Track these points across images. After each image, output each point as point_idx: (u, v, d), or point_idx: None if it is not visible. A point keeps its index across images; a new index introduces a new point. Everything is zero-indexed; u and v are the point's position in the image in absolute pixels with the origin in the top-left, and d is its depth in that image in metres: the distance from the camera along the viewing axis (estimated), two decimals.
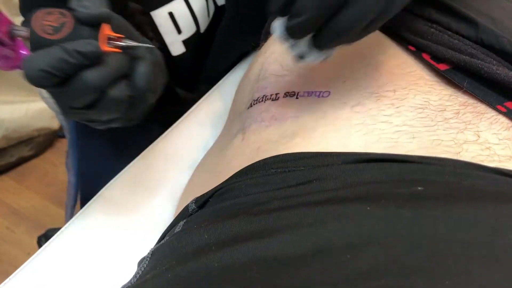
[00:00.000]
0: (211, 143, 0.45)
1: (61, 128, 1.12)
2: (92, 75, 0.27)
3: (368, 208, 0.21)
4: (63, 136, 0.77)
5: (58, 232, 0.42)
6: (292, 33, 0.24)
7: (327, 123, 0.29)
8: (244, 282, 0.19)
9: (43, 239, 0.96)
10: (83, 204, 0.60)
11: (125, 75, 0.30)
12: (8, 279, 0.38)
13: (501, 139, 0.26)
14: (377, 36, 0.32)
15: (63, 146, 1.14)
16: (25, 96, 1.07)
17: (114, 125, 0.32)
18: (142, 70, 0.30)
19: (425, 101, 0.28)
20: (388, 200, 0.21)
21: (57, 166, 1.11)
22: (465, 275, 0.17)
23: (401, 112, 0.27)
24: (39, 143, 1.12)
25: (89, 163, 0.60)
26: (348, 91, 0.30)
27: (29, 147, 1.10)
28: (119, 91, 0.28)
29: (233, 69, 0.54)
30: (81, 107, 0.28)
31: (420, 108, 0.28)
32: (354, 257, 0.18)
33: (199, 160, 0.43)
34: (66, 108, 0.30)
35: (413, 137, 0.26)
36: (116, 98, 0.28)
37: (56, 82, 0.27)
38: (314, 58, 0.25)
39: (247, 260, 0.20)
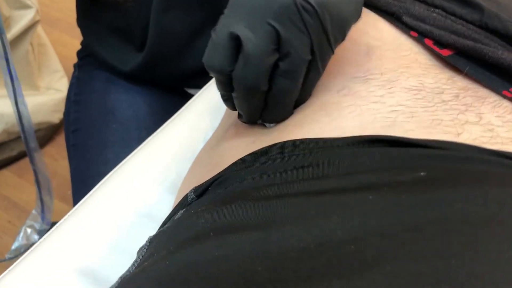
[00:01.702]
0: (210, 135, 0.44)
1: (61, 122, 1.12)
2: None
3: (370, 197, 0.20)
4: None
5: (57, 224, 0.41)
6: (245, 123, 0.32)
7: (315, 110, 0.28)
8: (246, 274, 0.19)
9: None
10: (74, 173, 0.61)
11: None
12: (7, 270, 0.38)
13: (505, 122, 0.26)
14: (375, 22, 0.32)
15: (63, 140, 1.14)
16: (25, 90, 1.06)
17: None
18: None
19: (420, 83, 0.27)
20: (390, 187, 0.20)
21: (58, 160, 1.10)
22: (473, 253, 0.17)
23: (395, 93, 0.27)
24: (40, 137, 1.11)
25: (83, 135, 0.61)
26: (332, 77, 0.29)
27: None
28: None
29: None
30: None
31: (415, 89, 0.27)
32: (358, 248, 0.18)
33: (198, 151, 0.43)
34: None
35: (412, 116, 0.25)
36: None
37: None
38: (270, 125, 0.31)
39: (249, 252, 0.20)
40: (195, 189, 0.29)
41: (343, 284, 0.17)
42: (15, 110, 0.45)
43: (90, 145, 0.61)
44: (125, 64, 0.62)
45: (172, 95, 0.65)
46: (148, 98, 0.64)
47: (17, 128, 1.04)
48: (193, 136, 0.47)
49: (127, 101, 0.63)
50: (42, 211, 0.49)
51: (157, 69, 0.61)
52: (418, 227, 0.18)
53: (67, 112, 0.67)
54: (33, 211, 0.70)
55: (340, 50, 0.30)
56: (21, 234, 0.76)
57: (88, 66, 0.67)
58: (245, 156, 0.27)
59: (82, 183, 0.58)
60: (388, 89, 0.27)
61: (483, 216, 0.18)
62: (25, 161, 1.10)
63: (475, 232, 0.17)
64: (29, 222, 0.74)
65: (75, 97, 0.66)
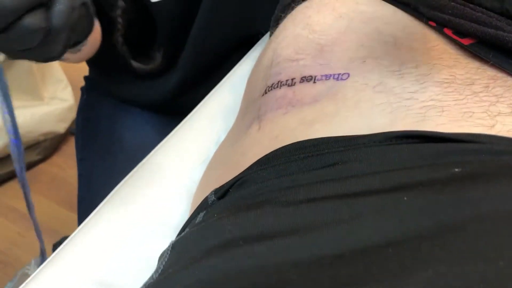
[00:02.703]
0: (223, 137, 0.44)
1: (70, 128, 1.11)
2: None
3: (405, 198, 0.19)
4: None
5: (72, 235, 0.41)
6: None
7: (348, 106, 0.27)
8: (281, 283, 0.18)
9: (58, 246, 0.95)
10: (80, 204, 0.59)
11: (44, 6, 0.30)
12: (24, 283, 0.37)
13: None
14: (394, 12, 0.31)
15: (70, 149, 1.14)
16: (29, 100, 1.06)
17: (27, 57, 0.33)
18: (61, 7, 0.30)
19: (451, 75, 0.27)
20: (425, 186, 0.20)
21: (65, 169, 1.10)
22: None
23: (427, 88, 0.26)
24: (46, 147, 1.11)
25: (88, 164, 0.60)
26: (369, 72, 0.28)
27: (36, 152, 1.10)
28: (34, 20, 0.28)
29: (241, 61, 0.53)
30: None
31: (446, 82, 0.26)
32: (396, 252, 0.17)
33: (211, 155, 0.42)
34: None
35: (443, 111, 0.24)
36: (30, 27, 0.28)
37: None
38: None
39: (282, 260, 0.19)
40: (216, 191, 0.28)
41: None
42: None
43: (95, 176, 0.59)
44: (144, 98, 0.60)
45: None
46: (157, 124, 0.62)
47: (23, 140, 1.04)
48: (205, 140, 0.46)
49: (134, 127, 0.61)
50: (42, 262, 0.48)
51: (182, 98, 0.59)
52: (459, 227, 0.17)
53: (76, 138, 0.65)
54: (33, 261, 0.70)
55: (368, 40, 0.30)
56: (17, 278, 0.76)
57: (96, 91, 0.65)
58: (266, 155, 0.27)
59: (88, 214, 0.57)
60: (421, 84, 0.26)
61: None
62: (33, 172, 1.10)
63: None
64: (26, 268, 0.74)
65: (83, 123, 0.64)
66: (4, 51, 0.32)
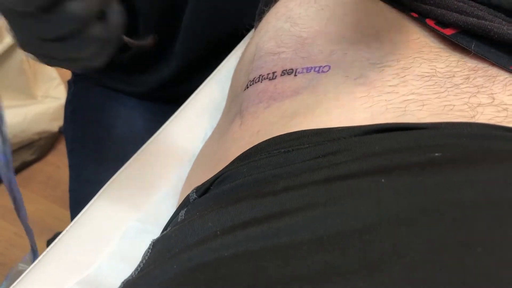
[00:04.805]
0: (210, 134, 0.43)
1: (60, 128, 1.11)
2: (78, 5, 0.26)
3: (383, 180, 0.19)
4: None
5: (63, 232, 0.41)
6: None
7: (329, 99, 0.27)
8: (255, 273, 0.18)
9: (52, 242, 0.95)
10: (71, 195, 0.59)
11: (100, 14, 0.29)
12: (18, 280, 0.37)
13: None
14: (376, 3, 0.31)
15: (64, 148, 1.13)
16: (23, 100, 1.06)
17: (75, 65, 0.31)
18: (115, 18, 0.29)
19: (432, 69, 0.26)
20: (404, 169, 0.19)
21: (61, 168, 1.10)
22: (502, 238, 0.15)
23: (408, 81, 0.26)
24: (41, 146, 1.11)
25: (77, 154, 0.59)
26: (350, 64, 0.28)
27: (31, 151, 1.10)
28: (99, 30, 0.28)
29: (229, 55, 0.52)
30: (53, 38, 0.27)
31: (427, 76, 0.26)
32: (373, 237, 0.17)
33: (198, 152, 0.42)
34: (30, 38, 0.28)
35: (423, 105, 0.24)
36: (96, 36, 0.27)
37: (40, 5, 0.25)
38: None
39: (259, 248, 0.19)
40: (197, 189, 0.28)
41: (361, 281, 0.16)
42: None
43: (84, 166, 0.59)
44: (136, 88, 0.59)
45: (173, 108, 0.63)
46: (147, 113, 0.61)
47: (17, 139, 1.04)
48: (193, 137, 0.46)
49: (123, 116, 0.60)
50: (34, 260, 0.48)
51: (175, 88, 0.59)
52: (438, 212, 0.17)
53: (65, 132, 0.64)
54: (25, 257, 0.70)
55: (349, 32, 0.29)
56: (11, 274, 0.76)
57: (83, 82, 0.64)
58: (246, 151, 0.26)
59: (78, 205, 0.56)
60: (401, 78, 0.26)
61: (509, 197, 0.17)
62: (28, 172, 1.09)
63: (502, 215, 0.16)
64: (20, 266, 0.74)
65: (71, 115, 0.63)
66: (52, 59, 0.30)
